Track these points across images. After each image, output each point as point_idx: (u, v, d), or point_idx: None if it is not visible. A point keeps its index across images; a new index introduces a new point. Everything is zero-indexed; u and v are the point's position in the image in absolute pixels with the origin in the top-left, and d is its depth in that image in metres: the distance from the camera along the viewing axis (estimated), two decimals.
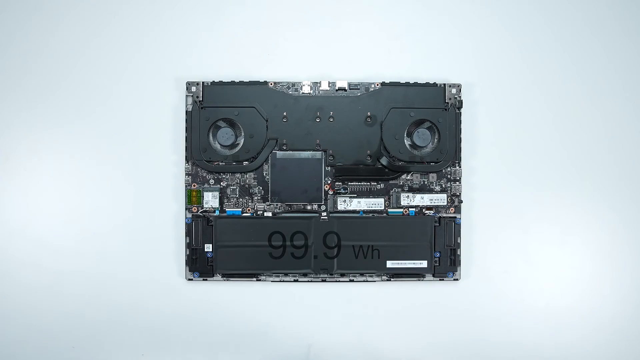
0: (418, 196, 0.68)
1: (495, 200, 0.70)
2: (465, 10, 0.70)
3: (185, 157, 0.67)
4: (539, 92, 0.70)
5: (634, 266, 0.70)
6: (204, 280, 0.68)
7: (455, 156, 0.68)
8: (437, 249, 0.68)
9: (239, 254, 0.67)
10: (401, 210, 0.68)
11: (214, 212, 0.67)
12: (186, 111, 0.67)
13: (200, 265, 0.67)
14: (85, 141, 0.69)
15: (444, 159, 0.68)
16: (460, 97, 0.68)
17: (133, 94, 0.69)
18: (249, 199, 0.68)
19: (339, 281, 0.68)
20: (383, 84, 0.68)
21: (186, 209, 0.67)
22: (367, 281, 0.68)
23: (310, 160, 0.68)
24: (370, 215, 0.68)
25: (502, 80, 0.70)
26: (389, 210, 0.68)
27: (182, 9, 0.69)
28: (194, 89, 0.67)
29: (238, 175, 0.68)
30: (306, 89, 0.68)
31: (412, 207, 0.68)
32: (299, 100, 0.68)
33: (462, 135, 0.68)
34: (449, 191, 0.69)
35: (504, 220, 0.70)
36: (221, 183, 0.68)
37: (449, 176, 0.69)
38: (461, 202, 0.69)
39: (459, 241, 0.68)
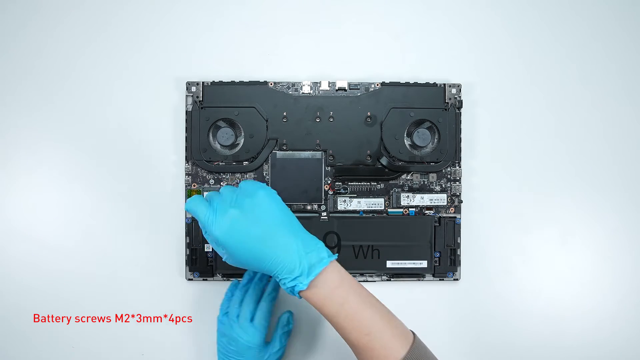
0: (418, 196, 0.68)
1: (495, 201, 0.70)
2: (465, 10, 0.70)
3: (185, 157, 0.67)
4: (539, 92, 0.70)
5: (633, 266, 0.70)
6: (204, 280, 0.68)
7: (455, 156, 0.68)
8: (437, 249, 0.68)
9: None
10: (401, 210, 0.68)
11: None
12: (186, 111, 0.67)
13: (200, 265, 0.67)
14: (85, 141, 0.69)
15: (444, 159, 0.68)
16: (460, 97, 0.68)
17: (133, 94, 0.69)
18: None
19: None
20: (383, 84, 0.68)
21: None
22: (367, 281, 0.68)
23: (310, 160, 0.68)
24: (370, 215, 0.68)
25: (502, 80, 0.70)
26: (389, 210, 0.68)
27: (182, 9, 0.69)
28: (194, 89, 0.67)
29: (238, 175, 0.68)
30: (306, 89, 0.68)
31: (412, 207, 0.68)
32: (299, 100, 0.68)
33: (462, 135, 0.68)
34: (449, 191, 0.69)
35: (504, 220, 0.70)
36: (221, 183, 0.68)
37: (449, 176, 0.69)
38: (461, 202, 0.69)
39: (459, 241, 0.68)
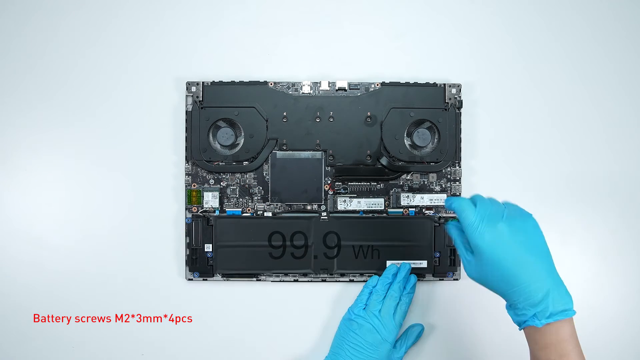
0: (418, 196, 0.68)
1: None
2: (465, 10, 0.70)
3: (185, 157, 0.67)
4: (539, 92, 0.70)
5: (634, 266, 0.70)
6: (204, 280, 0.68)
7: (455, 156, 0.68)
8: (437, 249, 0.68)
9: (239, 254, 0.67)
10: (401, 210, 0.68)
11: (214, 212, 0.67)
12: (186, 111, 0.67)
13: (200, 265, 0.67)
14: (85, 141, 0.69)
15: (444, 159, 0.68)
16: (460, 97, 0.68)
17: (133, 94, 0.69)
18: (249, 199, 0.68)
19: (339, 281, 0.68)
20: (383, 84, 0.68)
21: (186, 209, 0.67)
22: (367, 281, 0.68)
23: (310, 160, 0.68)
24: (370, 215, 0.68)
25: (502, 80, 0.70)
26: (389, 210, 0.68)
27: (182, 9, 0.69)
28: (194, 89, 0.67)
29: (238, 175, 0.68)
30: (306, 89, 0.68)
31: (412, 207, 0.68)
32: (299, 100, 0.68)
33: (462, 135, 0.68)
34: (449, 191, 0.69)
35: None
36: (221, 183, 0.68)
37: (449, 176, 0.69)
38: None
39: None
